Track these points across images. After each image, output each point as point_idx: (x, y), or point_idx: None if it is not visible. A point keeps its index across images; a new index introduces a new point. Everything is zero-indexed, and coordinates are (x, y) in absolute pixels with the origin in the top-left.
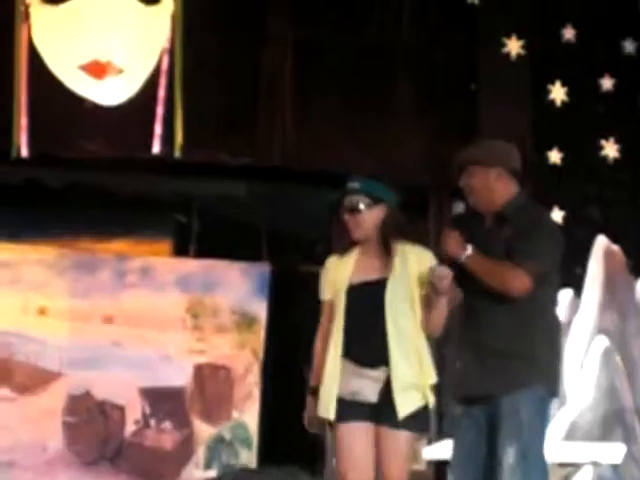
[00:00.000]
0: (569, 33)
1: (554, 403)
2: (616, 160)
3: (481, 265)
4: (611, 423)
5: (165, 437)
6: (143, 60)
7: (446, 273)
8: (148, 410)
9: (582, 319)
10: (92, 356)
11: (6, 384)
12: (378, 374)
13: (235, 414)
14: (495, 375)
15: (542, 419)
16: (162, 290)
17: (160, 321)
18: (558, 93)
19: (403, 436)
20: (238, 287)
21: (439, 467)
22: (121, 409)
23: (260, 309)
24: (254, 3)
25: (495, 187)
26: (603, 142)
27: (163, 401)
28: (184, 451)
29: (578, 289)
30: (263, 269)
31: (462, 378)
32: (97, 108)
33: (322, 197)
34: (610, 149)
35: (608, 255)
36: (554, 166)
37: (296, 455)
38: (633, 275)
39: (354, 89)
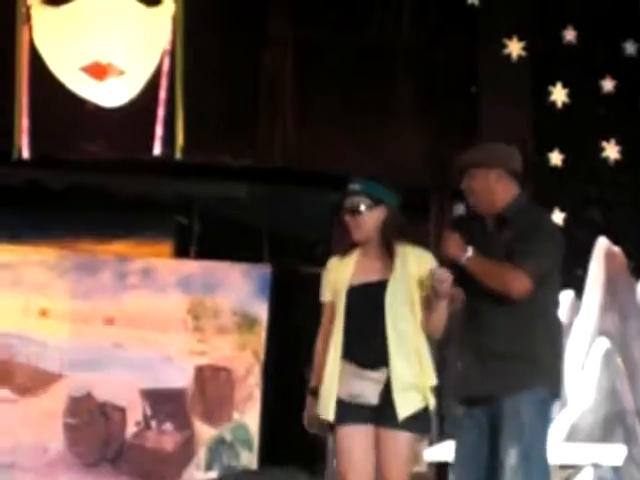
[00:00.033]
0: (570, 34)
1: (555, 405)
2: (617, 162)
3: (481, 267)
4: (612, 425)
5: (166, 438)
6: (144, 61)
7: (446, 276)
8: (149, 411)
9: (583, 321)
10: (93, 357)
11: (7, 385)
12: (378, 375)
13: (236, 415)
14: (496, 376)
15: (544, 420)
16: (163, 291)
17: (161, 322)
18: (559, 94)
19: (403, 437)
20: (239, 288)
21: (440, 469)
22: (122, 410)
23: (261, 310)
24: (254, 4)
25: (495, 189)
26: (604, 144)
27: (164, 402)
28: (185, 452)
29: (579, 291)
30: (264, 270)
31: (463, 379)
32: (98, 109)
33: (323, 198)
34: (611, 151)
35: (609, 257)
36: (555, 168)
37: (297, 456)
38: (634, 277)
39: (354, 90)
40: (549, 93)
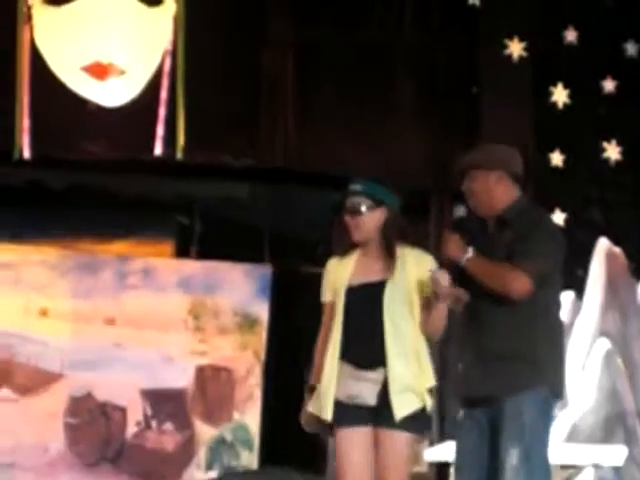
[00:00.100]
0: (571, 35)
1: (556, 405)
2: (618, 162)
3: (481, 268)
4: (612, 425)
5: (166, 438)
6: (145, 61)
7: (444, 278)
8: (149, 411)
9: (584, 321)
10: (94, 357)
11: (7, 385)
12: (376, 376)
13: (236, 415)
14: (497, 377)
15: (545, 421)
16: (164, 291)
17: (162, 322)
18: (560, 95)
19: (402, 437)
20: (240, 288)
21: (440, 469)
22: (122, 410)
23: (262, 310)
24: (256, 5)
25: (495, 191)
26: (605, 144)
27: (164, 402)
28: (185, 452)
29: (580, 291)
30: (265, 270)
31: (464, 380)
32: (99, 109)
33: (324, 199)
34: (612, 151)
35: (610, 257)
36: (556, 168)
37: (297, 456)
38: (635, 277)
39: (355, 90)
40: (550, 94)
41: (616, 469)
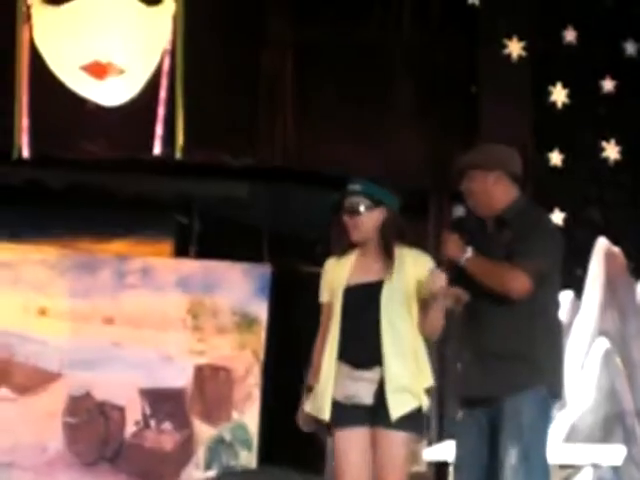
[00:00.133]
0: (570, 35)
1: (555, 405)
2: (617, 162)
3: (481, 267)
4: (611, 425)
5: (165, 438)
6: (144, 61)
7: (441, 278)
8: (148, 411)
9: (582, 321)
10: (92, 357)
11: (6, 384)
12: (373, 375)
13: (235, 415)
14: (496, 377)
15: (544, 420)
16: (163, 291)
17: (160, 322)
18: (559, 95)
19: (399, 437)
20: (239, 288)
21: (439, 468)
22: (121, 410)
23: (261, 310)
24: (255, 4)
25: (493, 191)
26: (604, 144)
27: (163, 402)
28: (184, 452)
29: (579, 291)
30: (264, 270)
31: (463, 379)
32: (98, 109)
33: (323, 198)
34: (611, 151)
35: (609, 257)
36: (555, 168)
37: (296, 456)
38: (634, 277)
39: (354, 89)
40: (549, 93)
41: (615, 469)
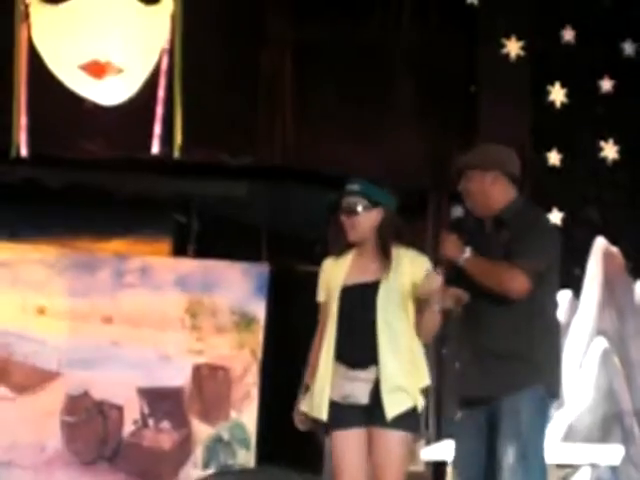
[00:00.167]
0: (569, 34)
1: (552, 404)
2: (615, 162)
3: (479, 267)
4: (609, 425)
5: (163, 437)
6: (143, 60)
7: (436, 280)
8: (146, 410)
9: (581, 320)
10: (91, 356)
11: (5, 384)
12: (368, 375)
13: (233, 414)
14: (494, 376)
15: (542, 419)
16: (161, 290)
17: (159, 321)
18: (558, 94)
19: (395, 436)
20: (237, 287)
21: (437, 468)
22: (119, 409)
23: (259, 309)
24: (254, 3)
25: (491, 191)
26: (602, 143)
27: (161, 401)
28: (182, 451)
29: (577, 290)
30: (262, 269)
31: (462, 379)
32: (97, 108)
33: (322, 197)
34: (609, 150)
35: (607, 256)
36: (553, 167)
37: (294, 455)
38: (632, 277)
39: (353, 89)
40: (547, 93)
41: (613, 468)
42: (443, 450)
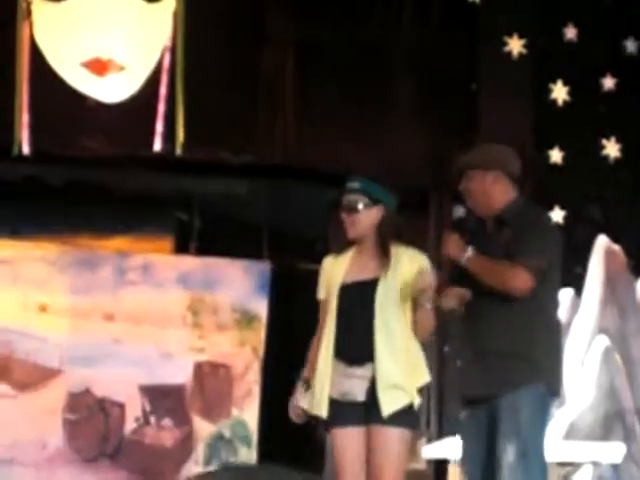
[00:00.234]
0: (571, 32)
1: (553, 402)
2: (617, 160)
3: (482, 266)
4: (611, 423)
5: (165, 434)
6: (145, 57)
7: (429, 279)
8: (148, 407)
9: (582, 318)
10: (92, 353)
11: (6, 381)
12: (365, 372)
13: (235, 412)
14: (495, 374)
15: (542, 417)
16: (163, 287)
17: (160, 318)
18: (560, 92)
19: (392, 433)
20: (239, 285)
21: (439, 466)
22: (121, 406)
23: (260, 307)
24: (255, 2)
25: (492, 191)
26: (604, 141)
27: (163, 398)
28: (184, 448)
29: (579, 288)
30: (264, 267)
31: (463, 377)
32: (98, 105)
33: (323, 195)
34: (611, 148)
35: (609, 255)
36: (555, 165)
37: (295, 453)
38: (634, 275)
39: (354, 87)
40: (549, 91)
41: (614, 467)
42: (445, 448)
